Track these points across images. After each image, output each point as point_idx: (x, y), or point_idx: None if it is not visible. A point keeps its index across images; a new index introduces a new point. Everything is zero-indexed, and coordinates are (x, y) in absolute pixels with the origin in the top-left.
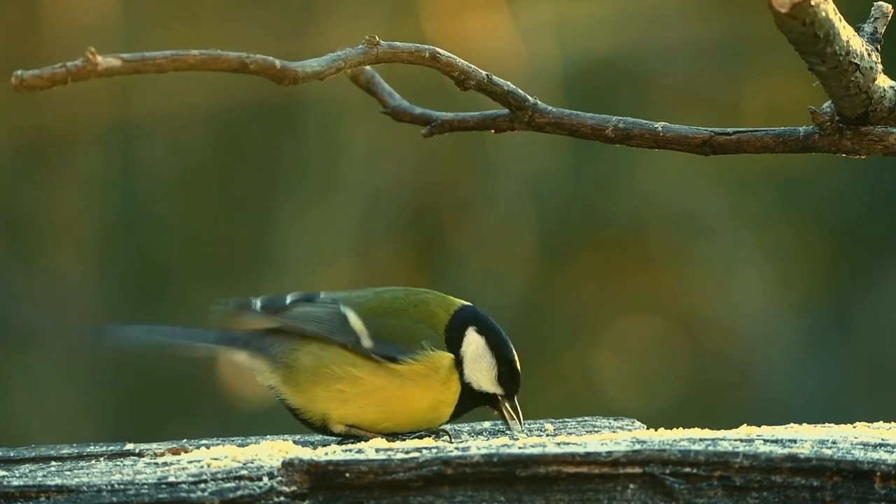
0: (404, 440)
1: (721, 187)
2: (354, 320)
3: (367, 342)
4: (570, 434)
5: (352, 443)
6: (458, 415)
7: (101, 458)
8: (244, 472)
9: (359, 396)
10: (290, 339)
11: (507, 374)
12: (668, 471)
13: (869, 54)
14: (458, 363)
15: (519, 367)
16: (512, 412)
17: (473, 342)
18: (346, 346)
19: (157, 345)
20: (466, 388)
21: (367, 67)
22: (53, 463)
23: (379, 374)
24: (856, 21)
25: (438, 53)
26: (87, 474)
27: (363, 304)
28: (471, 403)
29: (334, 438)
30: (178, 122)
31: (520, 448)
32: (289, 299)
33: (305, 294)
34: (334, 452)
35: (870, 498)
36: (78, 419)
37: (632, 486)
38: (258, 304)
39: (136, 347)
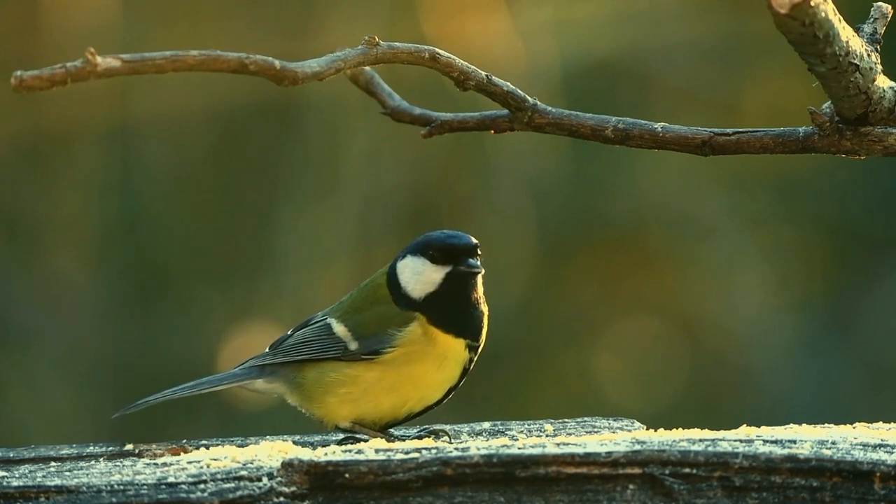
0: (404, 440)
1: (721, 187)
2: (337, 327)
3: (353, 345)
4: (570, 434)
5: (351, 443)
6: (466, 324)
7: (101, 459)
8: (244, 473)
9: (366, 392)
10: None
11: (438, 254)
12: (667, 471)
13: (868, 55)
14: (408, 300)
15: (448, 238)
16: (467, 269)
17: (403, 269)
18: (338, 357)
19: (184, 392)
20: (433, 301)
21: (367, 68)
22: (53, 463)
23: (373, 367)
24: (856, 21)
25: (438, 54)
26: (87, 475)
27: (341, 308)
28: (451, 301)
29: (334, 438)
30: (178, 122)
31: (519, 448)
32: (290, 330)
33: (307, 318)
34: (334, 453)
35: (869, 498)
36: (78, 419)
37: (631, 486)
38: (267, 349)
39: (166, 399)
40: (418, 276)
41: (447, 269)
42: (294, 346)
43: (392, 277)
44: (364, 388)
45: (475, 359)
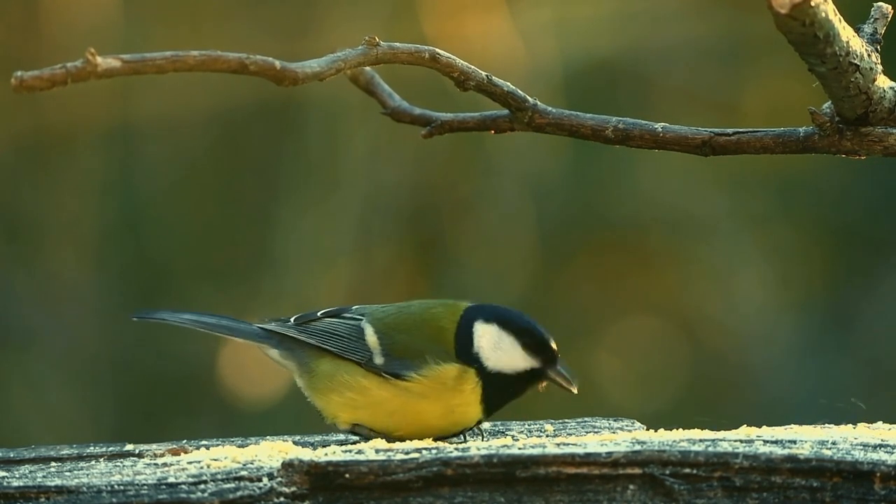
0: (404, 441)
1: (721, 188)
2: (370, 336)
3: (378, 359)
4: (570, 435)
5: (353, 442)
6: (501, 405)
7: (101, 459)
8: (244, 473)
9: (368, 406)
10: (314, 346)
11: (532, 344)
12: (667, 471)
13: (869, 55)
14: (476, 362)
15: (544, 333)
16: (561, 378)
17: (484, 333)
18: (359, 363)
19: (202, 327)
20: (501, 379)
21: (367, 68)
22: (53, 463)
23: (385, 387)
24: (856, 21)
25: (438, 54)
26: (87, 475)
27: (384, 319)
28: (517, 388)
29: (335, 439)
30: (178, 122)
31: (520, 449)
32: (319, 313)
33: (338, 308)
34: (334, 453)
35: (869, 498)
36: (78, 419)
37: (632, 486)
38: (292, 319)
39: (182, 325)
40: (500, 351)
41: (535, 362)
42: (321, 333)
43: (464, 332)
44: (368, 401)
45: (467, 433)
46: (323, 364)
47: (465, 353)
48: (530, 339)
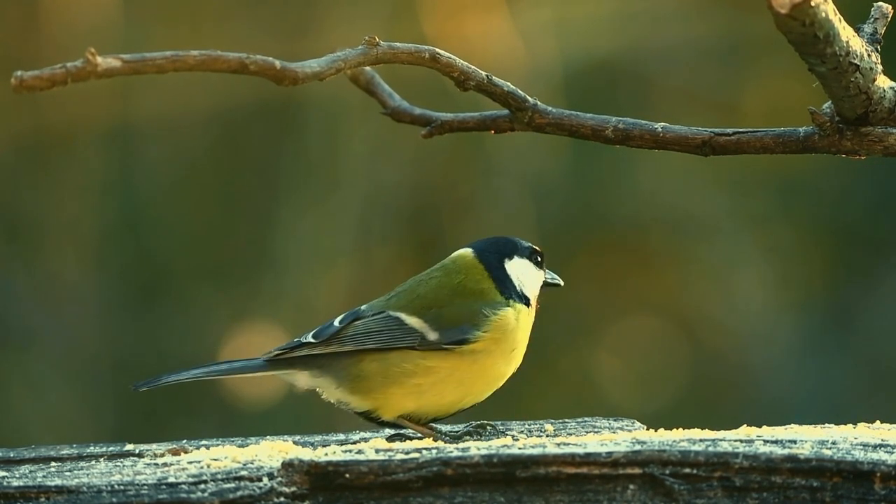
0: (404, 441)
1: (721, 188)
2: (410, 319)
3: (432, 336)
4: (570, 435)
5: (353, 442)
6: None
7: (101, 459)
8: (244, 473)
9: (435, 384)
10: (350, 353)
11: (538, 260)
12: (667, 471)
13: (869, 55)
14: (521, 298)
15: (533, 244)
16: (553, 281)
17: (513, 270)
18: (412, 347)
19: (215, 377)
20: (530, 301)
21: (367, 68)
22: (53, 463)
23: (449, 358)
24: (856, 21)
25: (438, 54)
26: (87, 475)
27: (408, 304)
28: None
29: (335, 439)
30: (178, 122)
31: (520, 449)
32: (337, 322)
33: (350, 313)
34: (334, 453)
35: (869, 498)
36: (78, 419)
37: (632, 486)
38: (309, 336)
39: (194, 381)
40: (530, 277)
41: (544, 273)
42: (357, 337)
43: (499, 278)
44: (435, 380)
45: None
46: (367, 364)
47: (510, 294)
48: (536, 256)
